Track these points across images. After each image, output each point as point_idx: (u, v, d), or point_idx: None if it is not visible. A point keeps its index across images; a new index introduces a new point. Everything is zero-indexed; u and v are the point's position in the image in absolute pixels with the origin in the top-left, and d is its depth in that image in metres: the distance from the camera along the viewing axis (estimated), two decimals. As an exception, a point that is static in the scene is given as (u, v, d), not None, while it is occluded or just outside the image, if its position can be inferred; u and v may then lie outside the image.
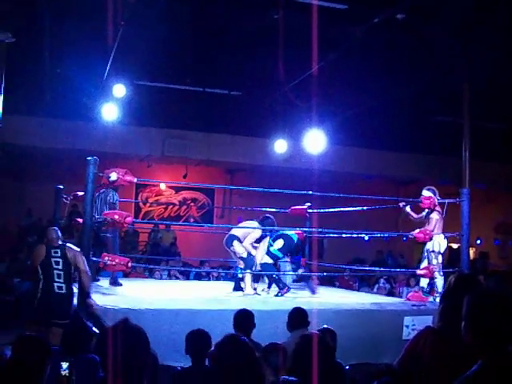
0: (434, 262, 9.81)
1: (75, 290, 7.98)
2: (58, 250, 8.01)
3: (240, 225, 10.76)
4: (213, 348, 3.22)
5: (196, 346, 5.50)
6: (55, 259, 7.94)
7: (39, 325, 7.42)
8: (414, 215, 10.29)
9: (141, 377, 3.00)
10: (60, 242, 8.15)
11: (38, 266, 7.97)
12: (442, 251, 9.86)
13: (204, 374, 4.96)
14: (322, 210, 11.94)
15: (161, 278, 13.80)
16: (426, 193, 10.09)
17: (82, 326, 5.70)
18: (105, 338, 3.01)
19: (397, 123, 17.37)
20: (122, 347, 2.94)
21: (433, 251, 9.84)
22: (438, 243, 9.85)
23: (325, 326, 6.12)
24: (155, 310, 7.22)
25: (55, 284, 7.83)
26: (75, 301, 7.77)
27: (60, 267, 7.91)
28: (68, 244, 8.23)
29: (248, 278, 9.74)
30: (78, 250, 8.06)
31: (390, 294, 13.91)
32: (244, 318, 6.23)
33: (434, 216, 9.93)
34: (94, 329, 5.71)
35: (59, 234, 8.35)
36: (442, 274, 9.69)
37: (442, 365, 3.31)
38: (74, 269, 7.97)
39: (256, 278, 10.53)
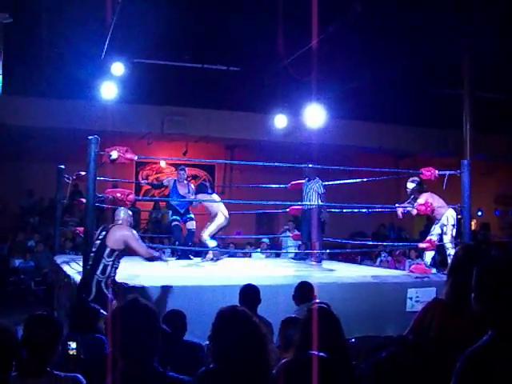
0: (449, 234, 9.70)
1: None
2: None
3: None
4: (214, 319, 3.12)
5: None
6: None
7: None
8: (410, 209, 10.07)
9: (150, 355, 3.01)
10: None
11: None
12: (454, 223, 9.76)
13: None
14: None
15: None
16: (410, 185, 10.01)
17: (86, 306, 5.73)
18: (113, 317, 3.04)
19: (397, 96, 17.32)
20: (130, 326, 2.96)
21: (446, 224, 9.72)
22: (452, 216, 9.75)
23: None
24: (161, 287, 7.24)
25: None
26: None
27: None
28: None
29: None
30: None
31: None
32: (250, 293, 6.24)
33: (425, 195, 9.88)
34: (102, 311, 5.74)
35: None
36: (453, 246, 9.58)
37: (450, 337, 3.32)
38: None
39: None
